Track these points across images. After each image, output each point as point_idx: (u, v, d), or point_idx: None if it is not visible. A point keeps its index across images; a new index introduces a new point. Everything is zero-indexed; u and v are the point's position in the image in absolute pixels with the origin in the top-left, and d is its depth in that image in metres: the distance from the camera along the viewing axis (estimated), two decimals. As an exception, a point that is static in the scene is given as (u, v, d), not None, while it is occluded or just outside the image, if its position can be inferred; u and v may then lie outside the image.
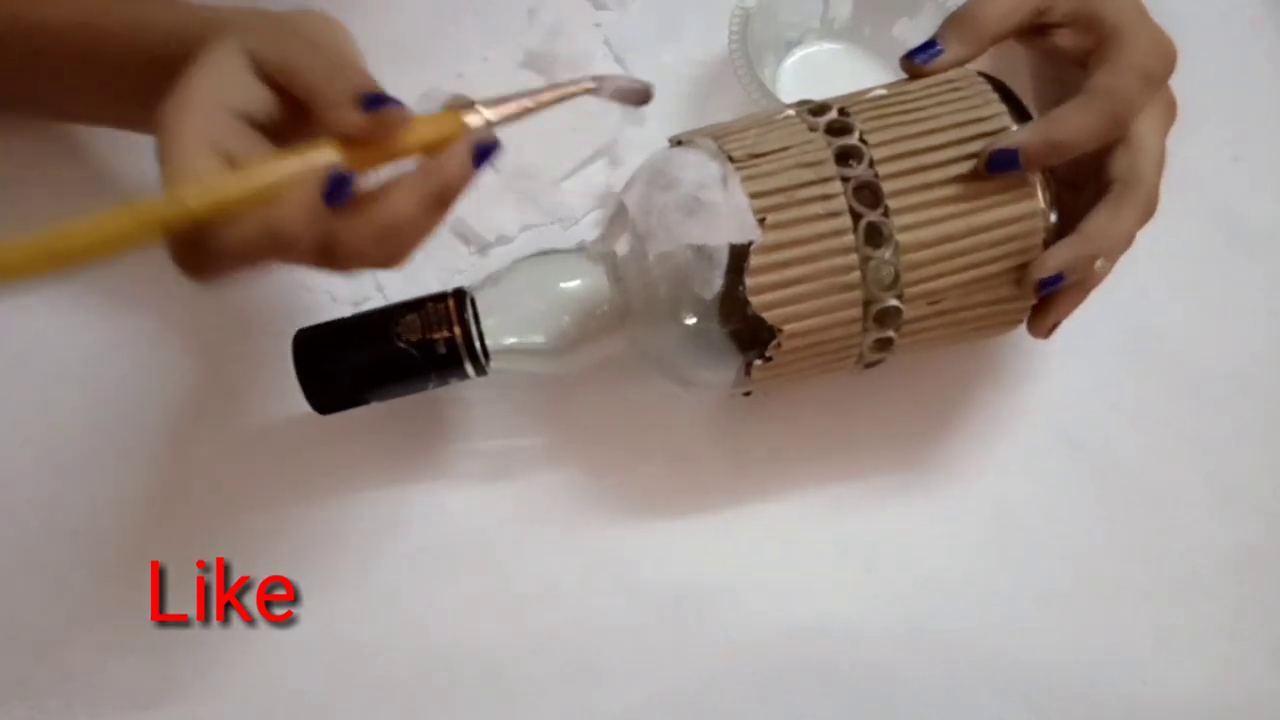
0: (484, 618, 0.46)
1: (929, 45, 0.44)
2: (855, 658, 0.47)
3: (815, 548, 0.49)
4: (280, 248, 0.32)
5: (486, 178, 0.53)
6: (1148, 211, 0.43)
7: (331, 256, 0.33)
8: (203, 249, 0.31)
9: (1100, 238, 0.41)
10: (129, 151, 0.50)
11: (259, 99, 0.34)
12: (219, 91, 0.33)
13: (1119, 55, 0.42)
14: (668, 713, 0.45)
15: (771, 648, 0.47)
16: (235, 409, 0.48)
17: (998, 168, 0.41)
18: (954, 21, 0.44)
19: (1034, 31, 0.45)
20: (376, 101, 0.33)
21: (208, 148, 0.32)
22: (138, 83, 0.40)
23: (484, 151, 0.35)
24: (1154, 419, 0.52)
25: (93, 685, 0.44)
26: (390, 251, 0.34)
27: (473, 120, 0.35)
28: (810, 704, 0.46)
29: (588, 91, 0.38)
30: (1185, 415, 0.52)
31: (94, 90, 0.43)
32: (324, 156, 0.32)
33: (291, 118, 0.35)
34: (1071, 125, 0.41)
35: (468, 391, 0.49)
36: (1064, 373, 0.52)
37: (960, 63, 0.44)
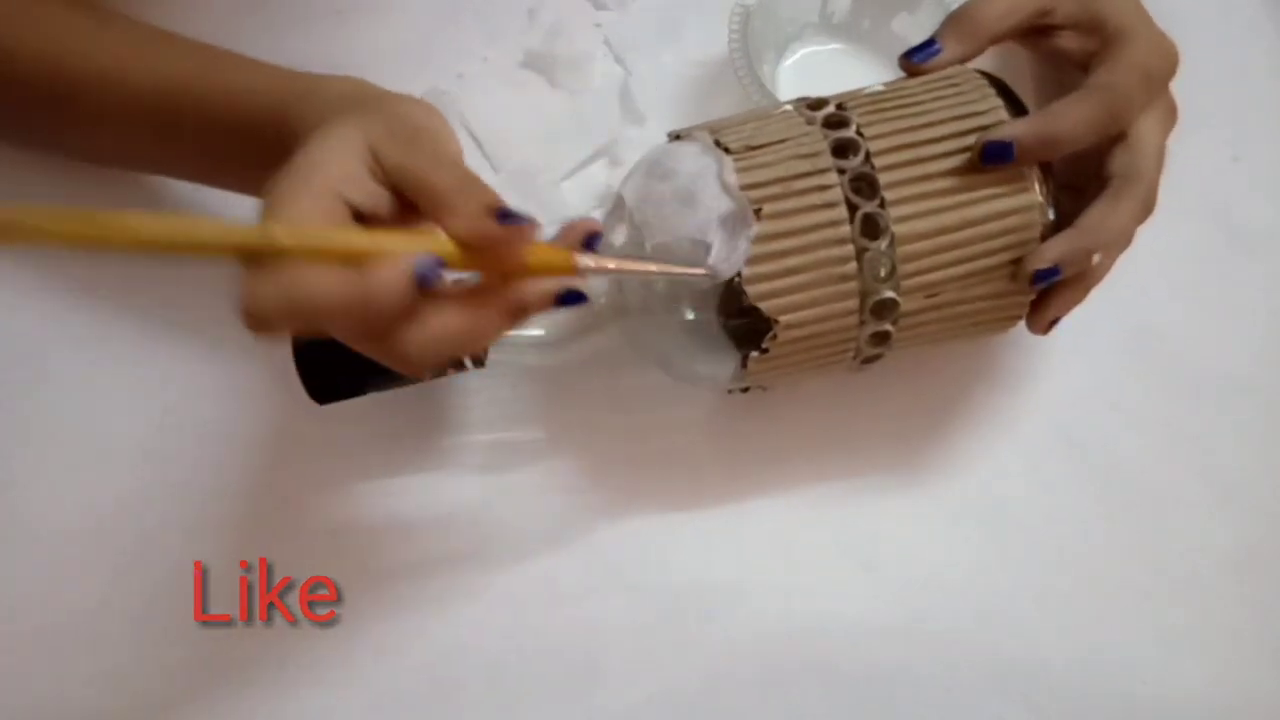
0: (484, 617, 0.46)
1: (927, 44, 0.44)
2: (855, 657, 0.47)
3: (815, 547, 0.49)
4: (360, 309, 0.31)
5: (487, 178, 0.53)
6: (1146, 208, 0.43)
7: (397, 343, 0.32)
8: (279, 287, 0.30)
9: (1097, 231, 0.41)
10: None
11: (372, 197, 0.34)
12: (337, 181, 0.33)
13: (1120, 55, 0.42)
14: (668, 713, 0.45)
15: (771, 647, 0.47)
16: (229, 400, 0.48)
17: (991, 159, 0.41)
18: (953, 21, 0.44)
19: (1036, 33, 0.45)
20: (509, 215, 0.32)
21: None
22: (228, 147, 0.40)
23: (569, 297, 0.34)
24: (1154, 419, 0.52)
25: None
26: (452, 353, 0.34)
27: (582, 261, 0.35)
28: (810, 704, 0.46)
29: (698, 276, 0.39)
30: (1185, 415, 0.52)
31: (181, 151, 0.44)
32: (429, 243, 0.32)
33: (399, 217, 0.34)
34: (1068, 119, 0.41)
35: (466, 383, 0.49)
36: (1064, 372, 0.52)
37: (958, 62, 0.44)
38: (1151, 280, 0.53)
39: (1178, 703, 0.48)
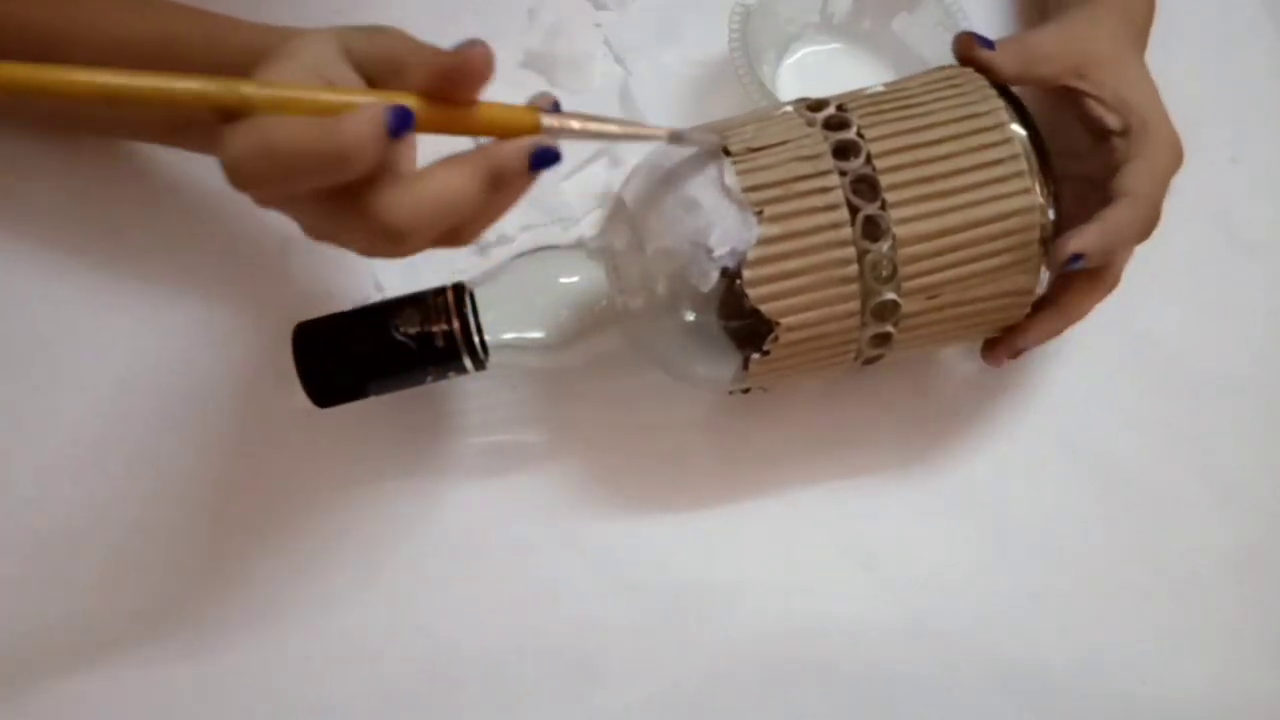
0: (484, 617, 0.46)
1: (986, 39, 0.45)
2: (855, 657, 0.47)
3: (815, 547, 0.49)
4: (334, 156, 0.30)
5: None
6: (1143, 233, 0.44)
7: (381, 207, 0.32)
8: (252, 139, 0.30)
9: (1121, 230, 0.43)
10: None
11: (347, 80, 0.34)
12: (314, 62, 0.33)
13: (1153, 161, 0.44)
14: (668, 713, 0.45)
15: (771, 647, 0.47)
16: (230, 402, 0.48)
17: (1065, 266, 0.42)
18: (1010, 38, 0.45)
19: (1067, 92, 0.46)
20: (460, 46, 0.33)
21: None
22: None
23: (543, 155, 0.34)
24: (1153, 419, 0.52)
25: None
26: (442, 227, 0.33)
27: (548, 122, 0.35)
28: (810, 704, 0.46)
29: (660, 138, 0.39)
30: (1185, 415, 0.52)
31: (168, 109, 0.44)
32: (396, 97, 0.32)
33: None
34: (1123, 230, 0.43)
35: (467, 386, 0.49)
36: (1064, 372, 0.52)
37: (998, 70, 0.44)
38: (1150, 280, 0.53)
39: (1178, 703, 0.48)
